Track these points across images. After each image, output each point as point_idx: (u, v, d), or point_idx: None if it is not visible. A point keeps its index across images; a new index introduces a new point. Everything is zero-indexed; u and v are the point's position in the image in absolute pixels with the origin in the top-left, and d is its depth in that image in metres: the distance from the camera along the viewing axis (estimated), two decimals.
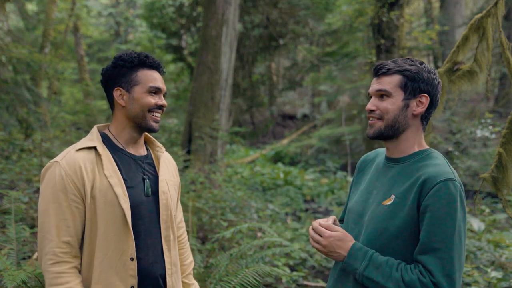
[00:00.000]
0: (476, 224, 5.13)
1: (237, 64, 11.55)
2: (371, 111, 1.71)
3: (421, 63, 1.71)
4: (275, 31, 12.15)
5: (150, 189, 1.82)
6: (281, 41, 12.57)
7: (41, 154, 6.30)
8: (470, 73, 2.71)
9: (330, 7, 12.61)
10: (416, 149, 1.71)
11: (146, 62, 1.82)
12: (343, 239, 1.67)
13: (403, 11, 8.08)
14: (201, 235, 5.07)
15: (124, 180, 1.75)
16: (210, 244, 4.42)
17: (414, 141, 1.72)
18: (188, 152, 7.44)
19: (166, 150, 2.03)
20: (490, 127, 8.55)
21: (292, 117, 18.46)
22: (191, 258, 2.12)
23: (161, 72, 1.88)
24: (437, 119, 8.87)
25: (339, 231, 1.68)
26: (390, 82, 1.68)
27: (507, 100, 11.87)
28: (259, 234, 5.22)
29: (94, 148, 1.76)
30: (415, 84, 1.67)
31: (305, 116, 17.84)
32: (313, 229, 1.72)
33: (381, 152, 1.90)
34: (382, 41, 7.91)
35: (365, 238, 1.69)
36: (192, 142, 7.43)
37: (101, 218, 1.69)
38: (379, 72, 1.71)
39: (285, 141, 14.75)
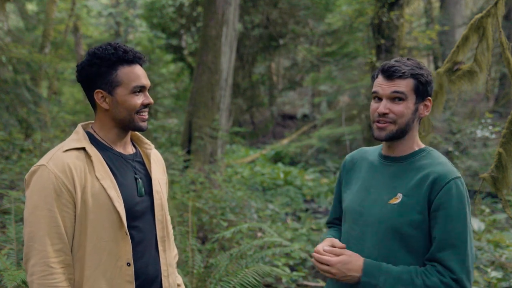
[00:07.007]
0: (476, 224, 5.12)
1: (237, 64, 11.54)
2: (384, 114, 1.65)
3: (423, 65, 1.70)
4: (275, 31, 12.16)
5: (143, 189, 1.71)
6: (281, 41, 12.57)
7: (41, 154, 6.30)
8: (470, 73, 2.71)
9: (330, 7, 12.62)
10: (416, 148, 1.73)
11: (125, 57, 1.63)
12: (350, 261, 1.61)
13: (403, 11, 8.08)
14: (201, 235, 5.06)
15: (117, 181, 1.64)
16: (210, 244, 4.42)
17: (414, 140, 1.74)
18: (188, 152, 7.44)
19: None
20: (490, 127, 8.55)
21: (292, 117, 18.43)
22: (175, 251, 1.98)
23: (142, 64, 1.69)
24: (437, 119, 8.87)
25: (344, 254, 1.63)
26: (406, 86, 1.64)
27: (507, 100, 11.84)
28: (259, 234, 5.22)
29: (83, 149, 1.61)
30: (424, 88, 1.67)
31: (305, 116, 17.81)
32: (317, 260, 1.64)
33: (368, 150, 1.88)
34: (382, 41, 7.91)
35: (376, 239, 1.65)
36: (192, 142, 7.42)
37: (94, 223, 1.57)
38: (393, 75, 1.64)
39: (285, 141, 14.73)
